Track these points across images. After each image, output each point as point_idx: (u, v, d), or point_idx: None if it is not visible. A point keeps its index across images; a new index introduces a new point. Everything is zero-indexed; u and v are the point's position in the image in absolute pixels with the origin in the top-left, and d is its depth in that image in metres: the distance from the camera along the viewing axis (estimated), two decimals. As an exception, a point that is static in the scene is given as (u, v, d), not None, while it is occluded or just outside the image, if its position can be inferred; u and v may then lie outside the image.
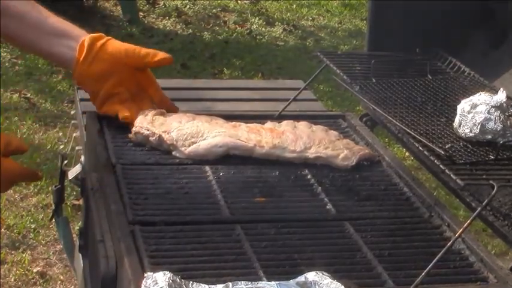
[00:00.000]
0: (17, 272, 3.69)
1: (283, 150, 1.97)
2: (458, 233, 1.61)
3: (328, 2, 8.43)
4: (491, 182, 1.66)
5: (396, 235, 1.71)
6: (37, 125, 5.04)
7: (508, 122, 1.95)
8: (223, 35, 7.15)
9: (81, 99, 2.35)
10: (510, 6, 2.51)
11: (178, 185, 1.85)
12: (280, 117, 2.19)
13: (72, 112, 3.32)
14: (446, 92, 2.26)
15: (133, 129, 2.01)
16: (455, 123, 1.99)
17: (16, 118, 5.09)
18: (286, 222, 1.71)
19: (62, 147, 3.84)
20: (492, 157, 1.86)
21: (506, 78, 2.40)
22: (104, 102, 2.06)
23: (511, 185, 1.78)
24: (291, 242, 1.64)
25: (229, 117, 2.11)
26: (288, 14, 7.94)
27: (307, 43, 7.18)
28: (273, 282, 1.38)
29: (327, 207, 1.80)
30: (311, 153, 1.97)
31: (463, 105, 1.99)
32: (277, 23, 7.62)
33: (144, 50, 2.05)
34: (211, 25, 7.39)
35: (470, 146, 1.93)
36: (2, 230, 3.96)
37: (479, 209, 1.66)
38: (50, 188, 4.17)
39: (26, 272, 3.69)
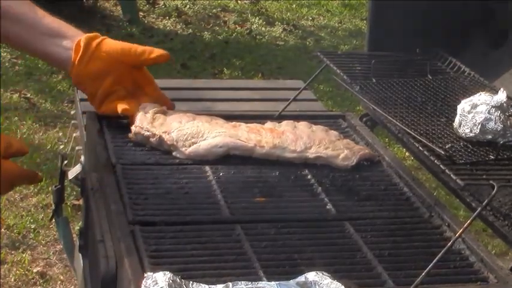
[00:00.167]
0: (17, 272, 3.69)
1: (283, 150, 1.97)
2: (458, 233, 1.61)
3: (328, 1, 8.43)
4: (491, 182, 1.66)
5: (396, 235, 1.71)
6: (37, 125, 5.04)
7: (508, 122, 1.95)
8: (223, 35, 7.15)
9: (81, 99, 2.35)
10: (510, 6, 2.51)
11: (178, 185, 1.85)
12: (280, 117, 2.19)
13: (72, 112, 3.32)
14: (446, 92, 2.25)
15: (134, 129, 2.01)
16: (456, 123, 1.99)
17: (16, 118, 5.09)
18: (286, 222, 1.71)
19: (62, 147, 3.84)
20: (492, 157, 1.86)
21: (506, 78, 2.40)
22: (103, 101, 2.06)
23: (511, 185, 1.78)
24: (291, 242, 1.64)
25: (229, 117, 2.11)
26: (288, 13, 7.94)
27: (307, 43, 7.18)
28: (273, 282, 1.38)
29: (327, 207, 1.80)
30: (311, 153, 1.97)
31: (463, 105, 1.99)
32: (277, 22, 7.62)
33: (140, 48, 2.05)
34: (211, 25, 7.39)
35: (470, 146, 1.93)
36: (2, 230, 3.96)
37: (479, 209, 1.66)
38: (50, 188, 4.17)
39: (26, 272, 3.69)
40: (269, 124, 2.08)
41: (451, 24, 2.52)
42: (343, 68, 2.36)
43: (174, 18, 7.40)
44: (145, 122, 2.00)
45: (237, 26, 7.46)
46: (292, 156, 1.97)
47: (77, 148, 2.52)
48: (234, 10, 7.89)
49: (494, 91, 2.10)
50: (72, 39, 2.01)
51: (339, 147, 2.00)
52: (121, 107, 2.03)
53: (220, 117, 2.08)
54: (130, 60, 2.04)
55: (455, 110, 2.01)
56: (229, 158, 1.96)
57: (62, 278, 3.69)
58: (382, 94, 2.21)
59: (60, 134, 4.88)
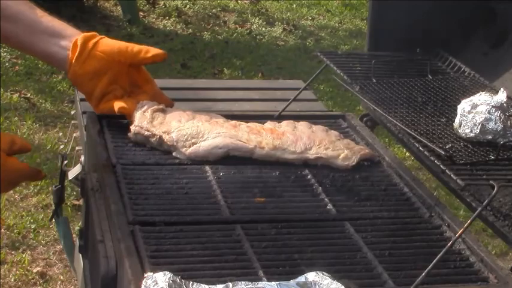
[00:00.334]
0: (17, 272, 3.69)
1: (283, 152, 1.97)
2: (458, 233, 1.61)
3: (328, 1, 8.43)
4: (491, 182, 1.65)
5: (396, 235, 1.71)
6: (37, 125, 5.04)
7: (509, 122, 1.95)
8: (223, 35, 7.15)
9: (81, 99, 2.35)
10: (510, 6, 2.51)
11: (178, 185, 1.85)
12: (280, 118, 2.19)
13: (72, 112, 3.31)
14: (446, 92, 2.25)
15: (133, 129, 2.01)
16: (456, 124, 1.99)
17: (16, 118, 5.09)
18: (287, 222, 1.71)
19: (62, 147, 3.83)
20: (492, 157, 1.86)
21: (506, 78, 2.39)
22: (100, 100, 2.06)
23: (511, 185, 1.78)
24: (291, 242, 1.64)
25: (229, 117, 2.11)
26: (288, 13, 7.94)
27: (308, 43, 7.18)
28: (273, 283, 1.38)
29: (327, 207, 1.80)
30: (311, 154, 1.97)
31: (464, 105, 1.99)
32: (277, 22, 7.62)
33: (136, 47, 2.04)
34: (211, 25, 7.39)
35: (470, 146, 1.93)
36: (2, 230, 3.96)
37: (479, 209, 1.66)
38: (50, 188, 4.17)
39: (26, 272, 3.69)
40: (269, 124, 2.07)
41: (451, 24, 2.52)
42: (343, 68, 2.36)
43: (174, 18, 7.40)
44: (145, 122, 2.00)
45: (237, 26, 7.46)
46: (292, 157, 1.97)
47: (77, 148, 2.52)
48: (234, 10, 7.89)
49: (495, 91, 2.10)
50: (69, 38, 2.01)
51: (339, 148, 2.00)
52: (118, 105, 2.03)
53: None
54: (127, 59, 2.03)
55: (456, 110, 2.01)
56: (230, 158, 1.96)
57: (62, 278, 3.69)
58: (382, 94, 2.21)
59: (60, 134, 4.87)
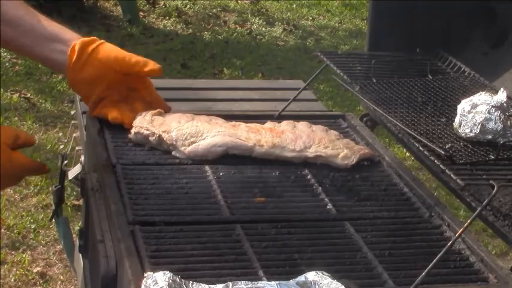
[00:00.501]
0: (17, 272, 3.69)
1: (282, 150, 1.97)
2: (458, 233, 1.61)
3: (328, 1, 8.43)
4: (491, 182, 1.65)
5: (396, 235, 1.71)
6: (37, 125, 5.04)
7: (509, 122, 1.95)
8: (223, 35, 7.15)
9: (81, 100, 2.35)
10: (510, 6, 2.51)
11: (178, 185, 1.85)
12: (280, 117, 2.19)
13: (72, 112, 3.31)
14: (446, 92, 2.25)
15: (133, 129, 2.01)
16: (456, 123, 1.99)
17: (16, 118, 5.09)
18: (287, 222, 1.71)
19: (62, 147, 3.83)
20: (492, 157, 1.86)
21: (506, 78, 2.40)
22: (96, 105, 2.08)
23: (511, 185, 1.78)
24: (291, 242, 1.64)
25: (229, 117, 2.11)
26: (288, 13, 7.94)
27: (308, 43, 7.18)
28: (273, 282, 1.38)
29: (327, 207, 1.80)
30: (311, 153, 1.97)
31: (464, 105, 1.99)
32: (277, 23, 7.62)
33: (134, 59, 2.04)
34: (211, 25, 7.39)
35: (470, 146, 1.93)
36: (2, 230, 3.96)
37: (479, 209, 1.66)
38: (50, 188, 4.18)
39: (26, 272, 3.69)
40: (269, 124, 2.07)
41: (451, 24, 2.52)
42: (343, 68, 2.36)
43: (174, 18, 7.40)
44: (145, 122, 2.00)
45: (237, 26, 7.46)
46: (291, 155, 1.97)
47: (77, 148, 2.52)
48: (234, 10, 7.90)
49: (494, 91, 2.10)
50: (68, 43, 2.01)
51: (339, 147, 1.99)
52: (111, 115, 2.05)
53: (220, 117, 2.08)
54: (123, 69, 2.03)
55: (456, 110, 2.01)
56: (229, 157, 1.96)
57: (62, 278, 3.69)
58: (382, 94, 2.21)
59: (60, 134, 4.87)
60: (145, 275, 1.38)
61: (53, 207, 2.35)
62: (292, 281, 1.39)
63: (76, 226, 3.52)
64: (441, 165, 1.78)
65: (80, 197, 2.90)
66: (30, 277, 3.67)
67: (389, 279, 1.54)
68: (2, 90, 5.43)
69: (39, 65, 5.88)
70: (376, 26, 2.50)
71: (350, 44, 7.21)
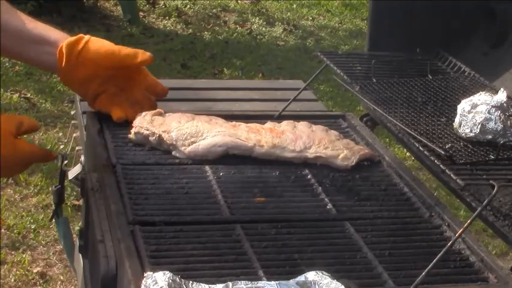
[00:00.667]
0: (17, 272, 3.69)
1: (282, 150, 1.97)
2: (458, 233, 1.61)
3: (328, 1, 8.43)
4: (491, 182, 1.65)
5: (396, 235, 1.71)
6: (37, 125, 5.04)
7: (509, 122, 1.95)
8: (223, 35, 7.15)
9: (81, 100, 2.35)
10: (510, 6, 2.51)
11: (178, 185, 1.85)
12: (280, 117, 2.19)
13: (72, 112, 3.31)
14: (446, 92, 2.25)
15: (133, 129, 2.01)
16: (456, 123, 1.99)
17: (16, 118, 5.09)
18: (286, 222, 1.71)
19: (62, 147, 3.83)
20: (492, 157, 1.86)
21: (506, 78, 2.39)
22: (95, 100, 2.09)
23: (511, 185, 1.78)
24: (291, 242, 1.64)
25: (229, 117, 2.11)
26: (288, 13, 7.94)
27: (308, 43, 7.18)
28: (273, 282, 1.38)
29: (327, 207, 1.80)
30: (311, 153, 1.97)
31: (464, 105, 1.99)
32: (277, 23, 7.62)
33: (123, 52, 2.04)
34: (211, 25, 7.39)
35: (470, 146, 1.93)
36: (2, 230, 3.96)
37: (479, 209, 1.66)
38: (50, 188, 4.17)
39: (26, 272, 3.69)
40: (269, 124, 2.08)
41: (451, 24, 2.52)
42: (343, 68, 2.36)
43: (174, 18, 7.40)
44: (145, 122, 2.00)
45: (237, 26, 7.46)
46: (291, 155, 1.97)
47: (77, 148, 2.52)
48: (234, 10, 7.90)
49: (494, 91, 2.10)
50: (55, 45, 2.01)
51: (339, 147, 1.99)
52: (115, 115, 2.06)
53: (220, 117, 2.08)
54: (114, 64, 2.04)
55: (456, 110, 2.01)
56: (229, 157, 1.96)
57: (62, 278, 3.69)
58: (382, 94, 2.21)
59: (60, 134, 4.88)
60: (145, 275, 1.38)
61: (53, 207, 2.35)
62: (292, 281, 1.39)
63: (76, 226, 3.52)
64: (441, 165, 1.78)
65: (80, 197, 2.90)
66: (30, 277, 3.67)
67: (390, 279, 1.54)
68: (2, 90, 5.43)
69: (39, 65, 5.90)
70: (376, 26, 2.50)
71: (350, 44, 7.21)
